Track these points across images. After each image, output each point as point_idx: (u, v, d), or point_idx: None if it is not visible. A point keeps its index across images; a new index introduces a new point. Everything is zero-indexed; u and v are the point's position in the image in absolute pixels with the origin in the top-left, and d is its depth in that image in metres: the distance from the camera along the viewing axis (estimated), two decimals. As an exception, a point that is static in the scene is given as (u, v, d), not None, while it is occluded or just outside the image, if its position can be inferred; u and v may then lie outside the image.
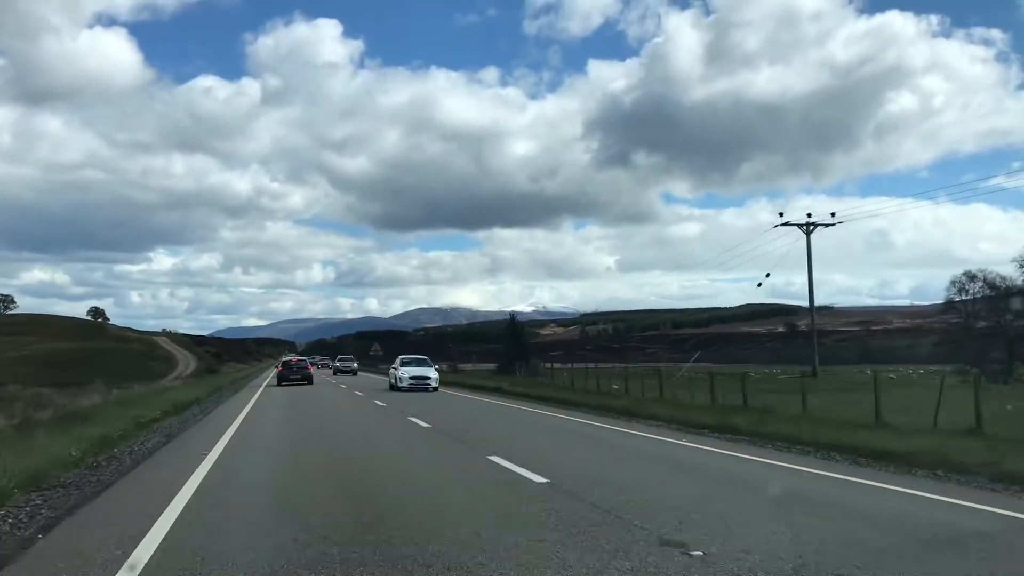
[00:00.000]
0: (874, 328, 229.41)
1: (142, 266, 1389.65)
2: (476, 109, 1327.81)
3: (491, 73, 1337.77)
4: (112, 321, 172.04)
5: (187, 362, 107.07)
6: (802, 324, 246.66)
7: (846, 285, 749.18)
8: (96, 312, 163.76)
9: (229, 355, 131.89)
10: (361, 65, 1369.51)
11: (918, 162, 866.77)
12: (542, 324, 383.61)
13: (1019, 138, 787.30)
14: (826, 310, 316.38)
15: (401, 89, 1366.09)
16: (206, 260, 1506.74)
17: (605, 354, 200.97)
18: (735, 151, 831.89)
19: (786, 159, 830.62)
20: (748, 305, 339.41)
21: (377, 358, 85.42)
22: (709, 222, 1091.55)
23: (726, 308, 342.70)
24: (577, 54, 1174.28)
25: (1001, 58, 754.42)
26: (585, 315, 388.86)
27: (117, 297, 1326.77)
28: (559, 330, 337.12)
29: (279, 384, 43.59)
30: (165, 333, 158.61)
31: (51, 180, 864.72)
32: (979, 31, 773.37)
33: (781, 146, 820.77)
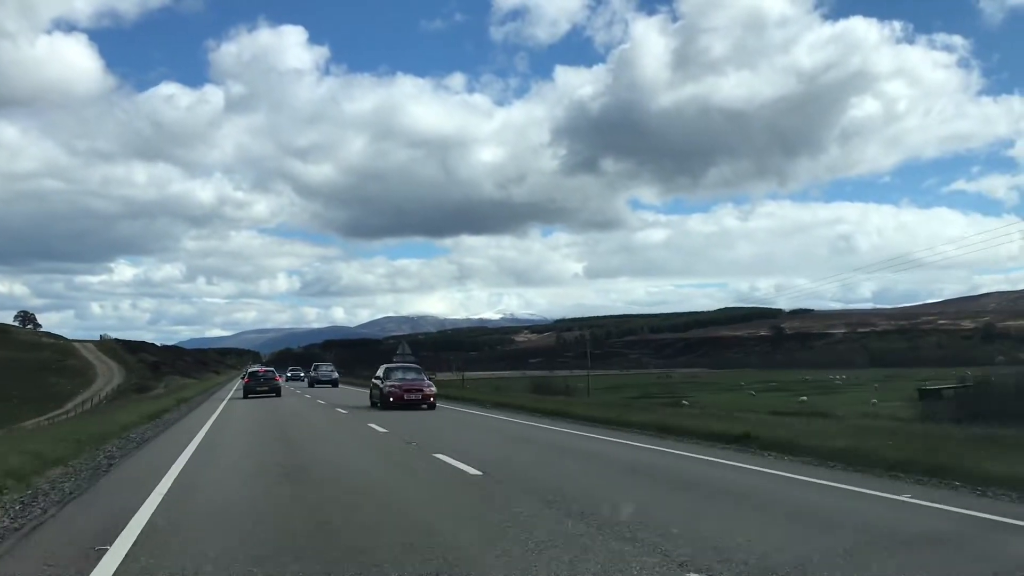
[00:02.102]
0: (861, 330, 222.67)
1: (103, 277, 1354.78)
2: (443, 116, 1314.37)
3: (458, 79, 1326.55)
4: (67, 333, 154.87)
5: (110, 376, 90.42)
6: (787, 327, 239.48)
7: (809, 289, 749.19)
8: (25, 317, 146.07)
9: (171, 366, 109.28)
10: (327, 72, 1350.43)
11: (881, 167, 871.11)
12: (515, 331, 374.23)
13: (979, 143, 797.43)
14: (805, 313, 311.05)
15: (367, 96, 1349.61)
16: (168, 270, 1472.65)
17: (586, 361, 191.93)
18: (702, 157, 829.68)
19: (752, 164, 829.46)
20: (726, 309, 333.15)
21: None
22: (675, 228, 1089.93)
23: (704, 312, 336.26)
24: (544, 60, 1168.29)
25: (963, 64, 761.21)
26: (559, 321, 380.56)
27: (77, 308, 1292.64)
28: (533, 336, 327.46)
29: (245, 396, 39.81)
30: (101, 340, 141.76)
31: (8, 190, 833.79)
32: (941, 37, 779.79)
33: (747, 151, 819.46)
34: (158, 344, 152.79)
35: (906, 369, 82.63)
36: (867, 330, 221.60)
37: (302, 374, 73.54)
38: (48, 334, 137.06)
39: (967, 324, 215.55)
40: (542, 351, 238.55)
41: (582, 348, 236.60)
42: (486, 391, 38.24)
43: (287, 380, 67.33)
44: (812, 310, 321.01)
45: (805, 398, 33.50)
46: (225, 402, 35.43)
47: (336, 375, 55.96)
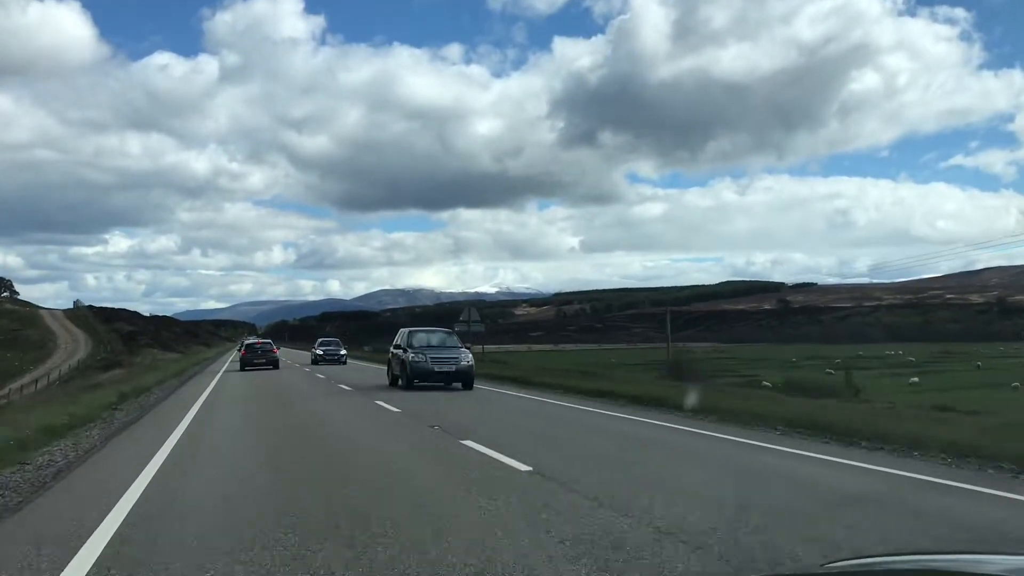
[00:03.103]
0: (867, 304, 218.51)
1: (98, 248, 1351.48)
2: (439, 87, 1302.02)
3: (455, 50, 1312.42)
4: (61, 305, 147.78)
5: (74, 349, 78.52)
6: (792, 300, 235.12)
7: (805, 264, 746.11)
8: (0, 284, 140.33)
9: (153, 336, 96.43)
10: (323, 42, 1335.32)
11: (880, 141, 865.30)
12: (513, 304, 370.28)
13: (979, 117, 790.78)
14: (808, 287, 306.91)
15: (363, 66, 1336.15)
16: (163, 242, 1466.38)
17: (590, 334, 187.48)
18: (700, 130, 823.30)
19: (751, 138, 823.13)
20: (729, 283, 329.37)
21: (470, 334, 33.13)
22: (673, 202, 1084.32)
23: (705, 285, 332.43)
24: (542, 31, 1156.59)
25: (964, 37, 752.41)
26: (558, 295, 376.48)
27: (72, 280, 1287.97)
28: (532, 310, 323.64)
29: (242, 369, 38.03)
30: (75, 307, 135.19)
31: (0, 160, 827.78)
32: (943, 9, 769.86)
33: (746, 125, 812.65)
34: (147, 315, 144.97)
35: (940, 344, 78.17)
36: (873, 304, 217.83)
37: (343, 352, 46.95)
38: (15, 300, 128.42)
39: (975, 299, 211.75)
40: (543, 324, 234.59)
41: (583, 322, 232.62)
42: (574, 375, 24.64)
43: (316, 362, 45.49)
44: (815, 284, 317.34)
45: (917, 379, 27.52)
46: (208, 390, 22.65)
47: (469, 359, 23.59)
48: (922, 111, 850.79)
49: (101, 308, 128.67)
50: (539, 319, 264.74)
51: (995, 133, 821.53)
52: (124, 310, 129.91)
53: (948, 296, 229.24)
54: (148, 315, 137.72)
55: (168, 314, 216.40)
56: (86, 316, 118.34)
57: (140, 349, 71.16)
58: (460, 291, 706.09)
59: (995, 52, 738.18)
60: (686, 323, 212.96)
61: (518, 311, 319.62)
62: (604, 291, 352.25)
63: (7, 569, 4.89)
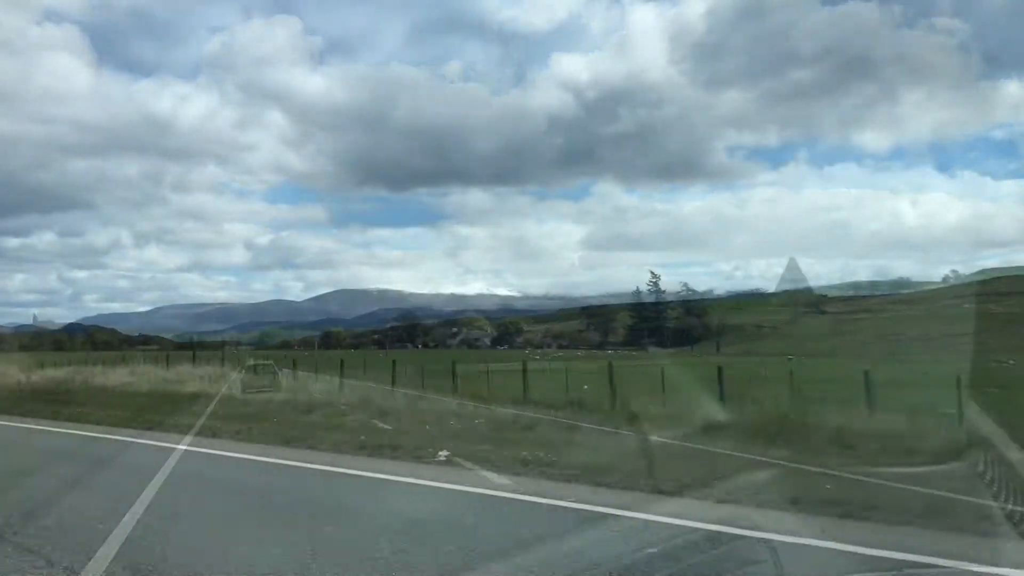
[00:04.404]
0: (883, 315, 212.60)
1: (96, 271, 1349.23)
2: (438, 105, 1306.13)
3: (453, 68, 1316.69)
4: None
5: None
6: (809, 312, 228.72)
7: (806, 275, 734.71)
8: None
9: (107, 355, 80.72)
10: (321, 62, 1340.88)
11: (879, 151, 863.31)
12: (514, 317, 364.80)
13: (978, 128, 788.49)
14: (819, 299, 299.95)
15: (361, 85, 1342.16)
16: (153, 252, 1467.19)
17: (601, 347, 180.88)
18: (698, 143, 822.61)
19: (748, 150, 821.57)
20: (735, 295, 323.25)
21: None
22: (671, 216, 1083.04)
23: (713, 297, 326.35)
24: (541, 49, 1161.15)
25: (963, 48, 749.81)
26: (562, 311, 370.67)
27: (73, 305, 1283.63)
28: (537, 326, 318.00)
29: (243, 392, 35.10)
30: (33, 324, 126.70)
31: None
32: (942, 21, 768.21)
33: (742, 136, 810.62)
34: (132, 333, 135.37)
35: (986, 352, 71.63)
36: (890, 315, 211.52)
37: None
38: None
39: (994, 308, 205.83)
40: (551, 337, 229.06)
41: (586, 335, 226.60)
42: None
43: None
44: (825, 296, 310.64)
45: None
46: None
47: None
48: (920, 122, 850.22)
49: (72, 324, 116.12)
50: (547, 333, 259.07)
51: (992, 143, 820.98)
52: (100, 328, 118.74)
53: (965, 306, 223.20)
54: (124, 333, 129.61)
55: (171, 334, 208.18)
56: (24, 339, 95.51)
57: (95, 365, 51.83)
58: (460, 309, 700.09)
59: (993, 63, 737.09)
60: (703, 335, 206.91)
61: (522, 324, 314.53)
62: (608, 308, 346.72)
63: None
